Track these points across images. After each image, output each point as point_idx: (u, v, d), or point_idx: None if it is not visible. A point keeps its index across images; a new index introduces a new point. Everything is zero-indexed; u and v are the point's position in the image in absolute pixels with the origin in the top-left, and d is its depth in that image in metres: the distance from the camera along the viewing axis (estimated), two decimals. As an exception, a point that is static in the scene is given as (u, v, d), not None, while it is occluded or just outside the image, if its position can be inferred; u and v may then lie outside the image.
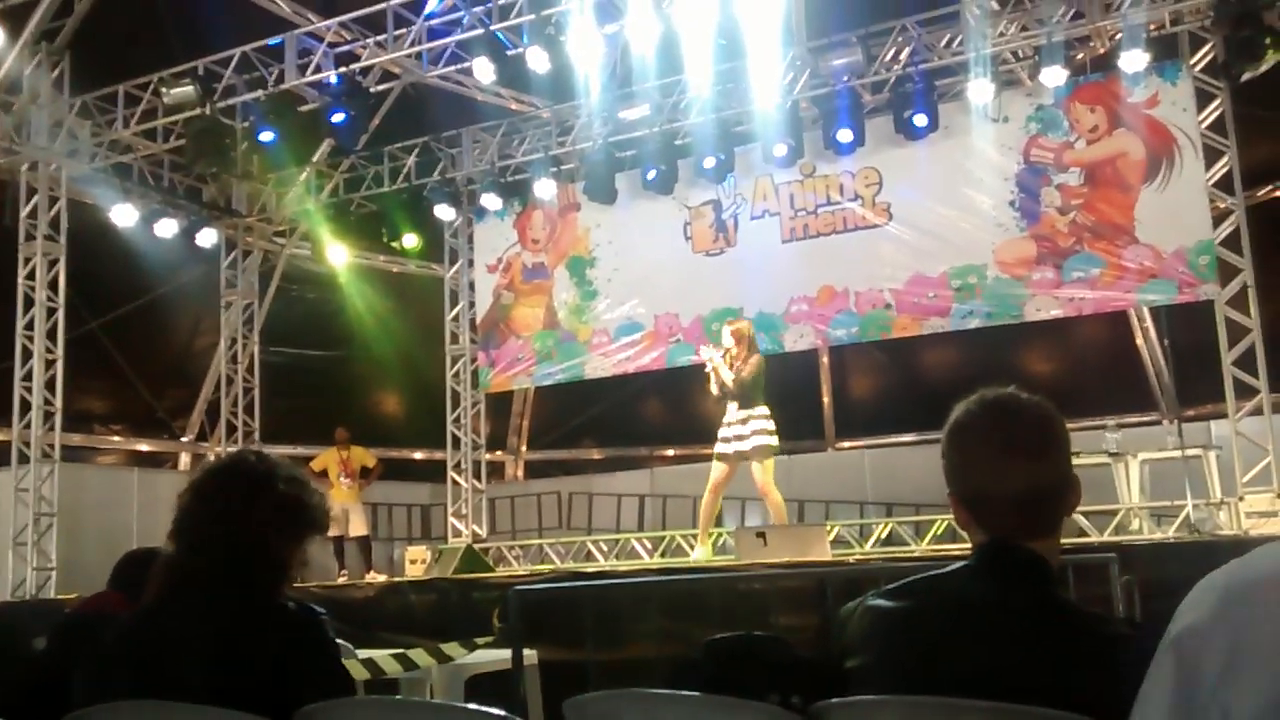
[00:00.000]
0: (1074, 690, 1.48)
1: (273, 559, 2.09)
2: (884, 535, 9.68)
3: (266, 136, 10.10)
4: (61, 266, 10.79)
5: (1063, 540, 1.81)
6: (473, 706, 2.09)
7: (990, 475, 1.71)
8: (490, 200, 12.02)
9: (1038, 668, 1.55)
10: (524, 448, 15.20)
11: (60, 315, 10.75)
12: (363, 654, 4.19)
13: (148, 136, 11.04)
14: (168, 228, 11.48)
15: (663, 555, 10.45)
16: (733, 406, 8.13)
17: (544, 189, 11.75)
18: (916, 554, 7.93)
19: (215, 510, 2.09)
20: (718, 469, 8.27)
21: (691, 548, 9.59)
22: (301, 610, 2.06)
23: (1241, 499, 8.56)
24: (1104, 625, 1.64)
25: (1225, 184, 9.51)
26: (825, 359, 13.63)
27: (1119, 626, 1.65)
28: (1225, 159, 9.51)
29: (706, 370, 8.31)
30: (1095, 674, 1.51)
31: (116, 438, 13.15)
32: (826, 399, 14.01)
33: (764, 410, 8.12)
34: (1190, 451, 8.35)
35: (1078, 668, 1.54)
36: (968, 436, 1.75)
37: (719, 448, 8.23)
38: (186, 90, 9.93)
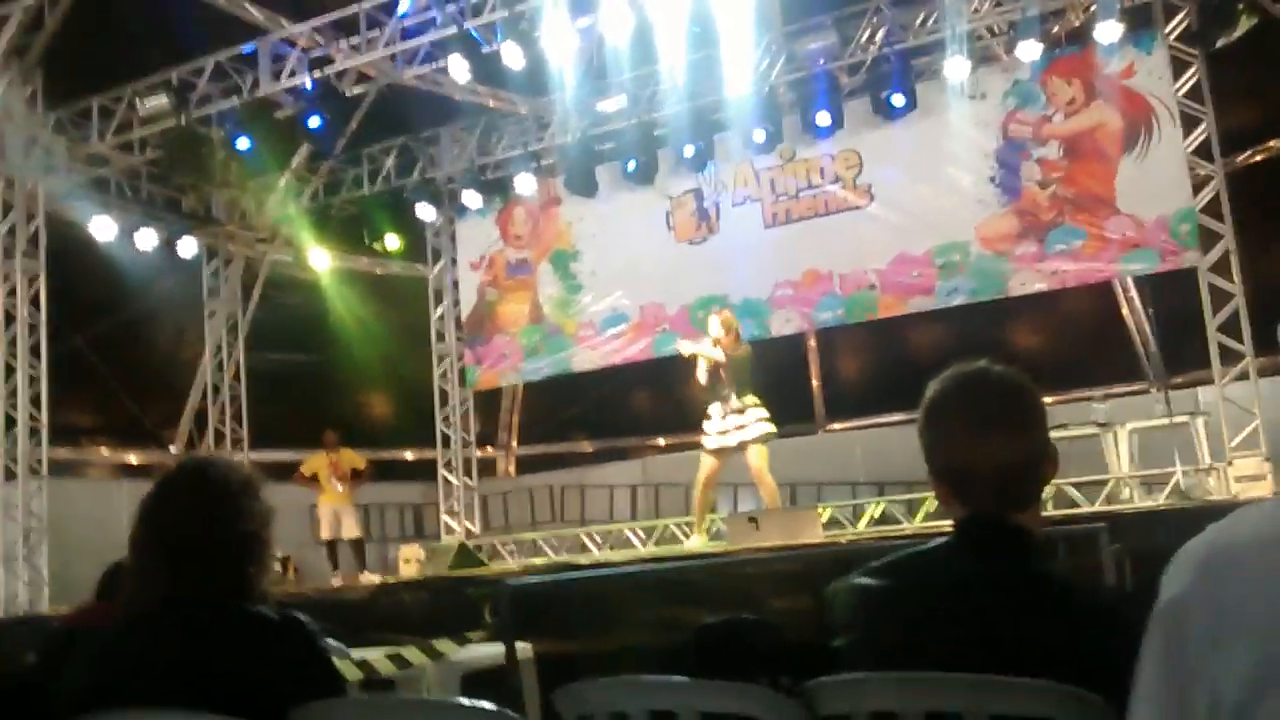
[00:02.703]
0: (1060, 660, 1.48)
1: (240, 561, 2.07)
2: (876, 515, 9.70)
3: (243, 144, 10.07)
4: (42, 282, 10.73)
5: (1053, 512, 1.82)
6: (464, 701, 2.09)
7: (967, 450, 1.71)
8: (471, 198, 12.00)
9: (1022, 639, 1.55)
10: (514, 443, 15.19)
11: (43, 330, 10.70)
12: (356, 654, 4.17)
13: (124, 149, 10.99)
14: (148, 239, 11.44)
15: (657, 544, 10.45)
16: (726, 397, 8.08)
17: (524, 184, 11.73)
18: (908, 532, 7.94)
19: (172, 520, 2.05)
20: (709, 462, 8.24)
21: (686, 535, 9.61)
22: (283, 616, 2.04)
23: (1230, 464, 8.59)
24: (1088, 595, 1.65)
25: (1204, 151, 9.53)
26: (812, 342, 13.64)
27: (1104, 596, 1.65)
28: (1203, 126, 9.53)
29: (686, 356, 8.30)
30: (1081, 643, 1.51)
31: (104, 450, 13.10)
32: (815, 382, 14.03)
33: (755, 399, 8.11)
34: (1178, 419, 8.39)
35: (1063, 638, 1.54)
36: (942, 413, 1.75)
37: (712, 441, 8.17)
38: (161, 101, 9.90)
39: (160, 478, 2.17)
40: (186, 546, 2.03)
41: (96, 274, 11.29)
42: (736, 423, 8.04)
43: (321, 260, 12.62)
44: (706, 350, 8.17)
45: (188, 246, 11.82)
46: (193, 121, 9.97)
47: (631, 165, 11.29)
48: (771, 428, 8.02)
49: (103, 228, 10.98)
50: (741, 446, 8.02)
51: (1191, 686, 0.75)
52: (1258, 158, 10.80)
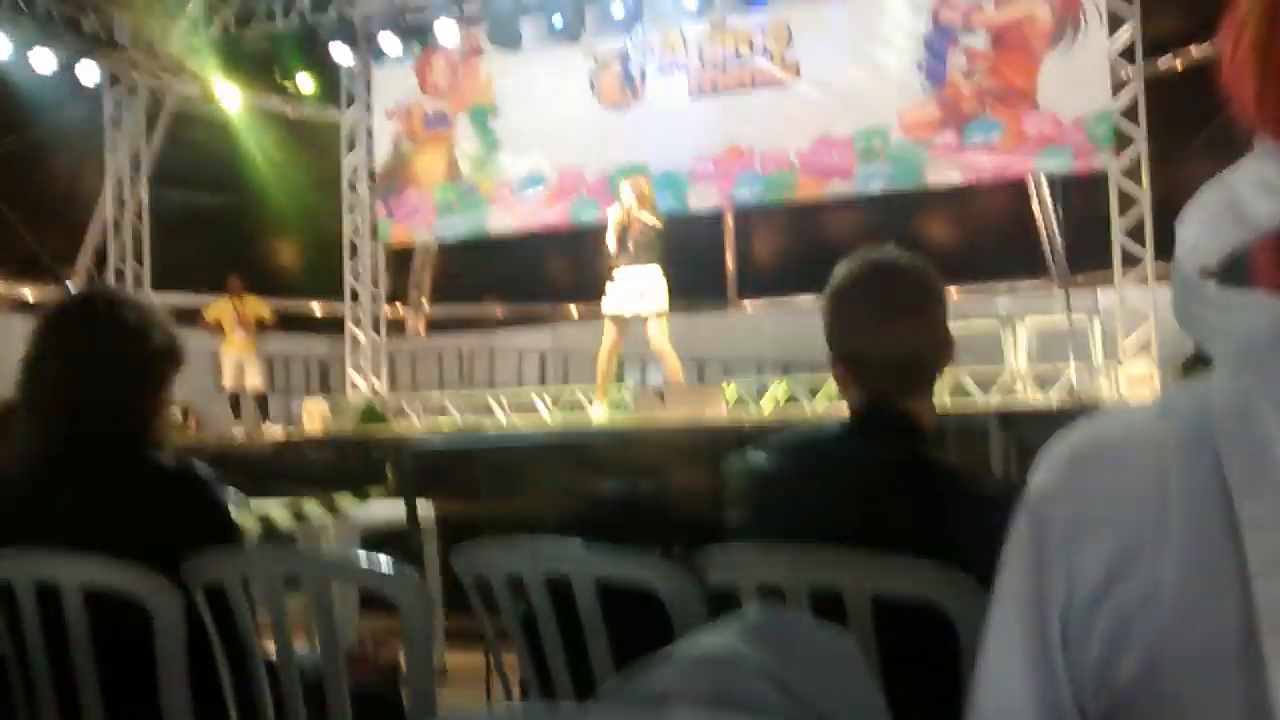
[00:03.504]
0: (942, 545, 1.53)
1: (136, 404, 2.02)
2: (780, 396, 9.87)
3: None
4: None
5: (947, 400, 1.88)
6: (363, 555, 2.11)
7: (867, 335, 1.75)
8: (389, 42, 11.54)
9: (907, 523, 1.61)
10: (426, 302, 15.03)
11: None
12: (255, 507, 4.17)
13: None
14: (45, 60, 10.83)
15: (563, 410, 10.53)
16: (625, 264, 8.10)
17: (446, 32, 11.32)
18: (809, 416, 8.11)
19: (63, 359, 1.97)
20: (609, 329, 8.30)
21: (590, 403, 9.69)
22: (179, 464, 2.02)
23: (1121, 364, 8.90)
24: (973, 483, 1.71)
25: (1127, 54, 9.59)
26: (730, 220, 13.63)
27: (988, 485, 1.72)
28: (1128, 26, 9.57)
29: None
30: (962, 529, 1.56)
31: (-2, 284, 12.64)
32: (730, 260, 14.08)
33: (656, 270, 8.12)
34: (1075, 316, 8.62)
35: (946, 523, 1.60)
36: (845, 297, 1.78)
37: (608, 306, 8.21)
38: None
39: (49, 311, 2.08)
40: (77, 387, 1.97)
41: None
42: (630, 290, 8.07)
43: (231, 97, 12.12)
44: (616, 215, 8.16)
45: (89, 72, 11.23)
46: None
47: (558, 19, 10.98)
48: (660, 305, 8.07)
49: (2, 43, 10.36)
50: (637, 318, 8.08)
51: (1048, 578, 0.78)
52: (1178, 64, 10.91)
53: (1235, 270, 0.80)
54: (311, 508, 4.29)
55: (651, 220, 8.14)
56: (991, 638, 0.84)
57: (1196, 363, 0.84)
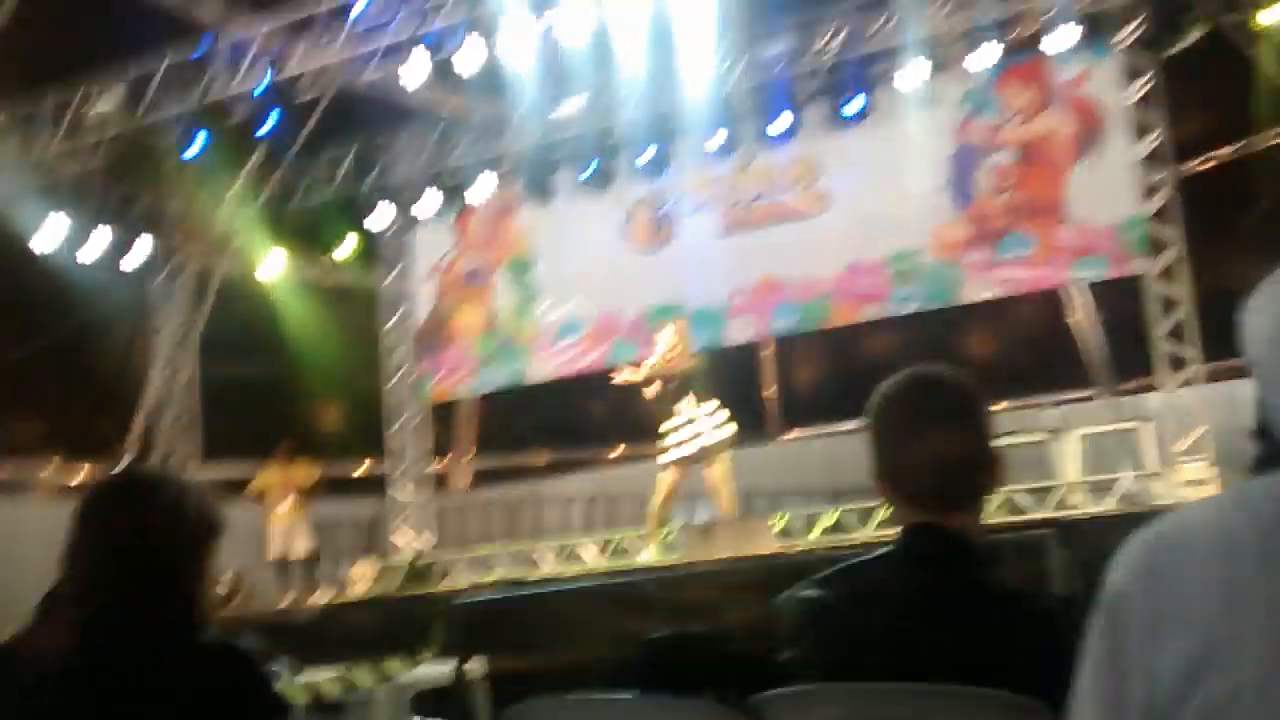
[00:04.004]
0: (1004, 668, 1.47)
1: (181, 582, 2.00)
2: (830, 524, 9.71)
3: (195, 149, 9.92)
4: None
5: (1002, 519, 1.83)
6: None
7: (905, 446, 1.71)
8: (426, 205, 11.90)
9: (965, 648, 1.55)
10: (469, 456, 15.07)
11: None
12: (303, 678, 4.09)
13: (72, 155, 10.77)
14: (97, 245, 11.24)
15: (610, 557, 10.40)
16: (677, 411, 8.05)
17: (480, 191, 11.66)
18: (860, 540, 7.97)
19: (104, 541, 1.95)
20: (667, 475, 8.19)
21: (640, 548, 9.57)
22: (224, 643, 1.98)
23: (1176, 468, 8.70)
24: (1030, 601, 1.65)
25: (1155, 158, 9.66)
26: (767, 351, 13.67)
27: (1046, 600, 1.66)
28: (1156, 133, 9.66)
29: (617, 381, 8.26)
30: (1025, 650, 1.51)
31: (50, 468, 12.84)
32: (770, 390, 14.06)
33: (715, 402, 8.09)
34: (1125, 425, 8.49)
35: (1006, 645, 1.54)
36: (884, 411, 1.76)
37: (669, 455, 8.11)
38: (113, 102, 9.72)
39: (86, 495, 2.07)
40: (114, 570, 1.95)
41: (39, 286, 11.07)
42: (693, 431, 8.02)
43: (275, 268, 12.46)
44: (629, 377, 8.18)
45: (139, 253, 11.63)
46: (143, 125, 9.80)
47: (588, 171, 11.28)
48: (731, 430, 7.99)
49: (53, 232, 10.74)
50: (702, 453, 7.99)
51: (1130, 676, 0.76)
52: (1207, 165, 10.97)
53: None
54: (361, 676, 4.21)
55: (684, 365, 8.12)
56: None
57: (1268, 462, 0.82)
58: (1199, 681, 0.72)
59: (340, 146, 12.01)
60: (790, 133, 10.47)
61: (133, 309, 12.67)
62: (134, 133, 9.72)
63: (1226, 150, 10.69)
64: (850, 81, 10.14)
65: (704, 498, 8.67)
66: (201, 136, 9.85)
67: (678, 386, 8.03)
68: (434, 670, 4.52)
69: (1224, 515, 0.77)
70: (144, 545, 1.95)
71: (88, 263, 11.23)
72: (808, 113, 10.55)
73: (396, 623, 6.30)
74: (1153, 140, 9.65)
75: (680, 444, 8.05)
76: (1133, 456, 8.32)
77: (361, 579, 9.82)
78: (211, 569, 2.05)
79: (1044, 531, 4.38)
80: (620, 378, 8.41)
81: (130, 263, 11.58)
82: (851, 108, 10.17)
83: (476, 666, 4.44)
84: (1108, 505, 8.27)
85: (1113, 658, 0.78)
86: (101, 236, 11.34)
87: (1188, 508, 0.86)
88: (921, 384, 1.76)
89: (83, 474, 12.89)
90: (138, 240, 11.72)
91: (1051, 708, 1.28)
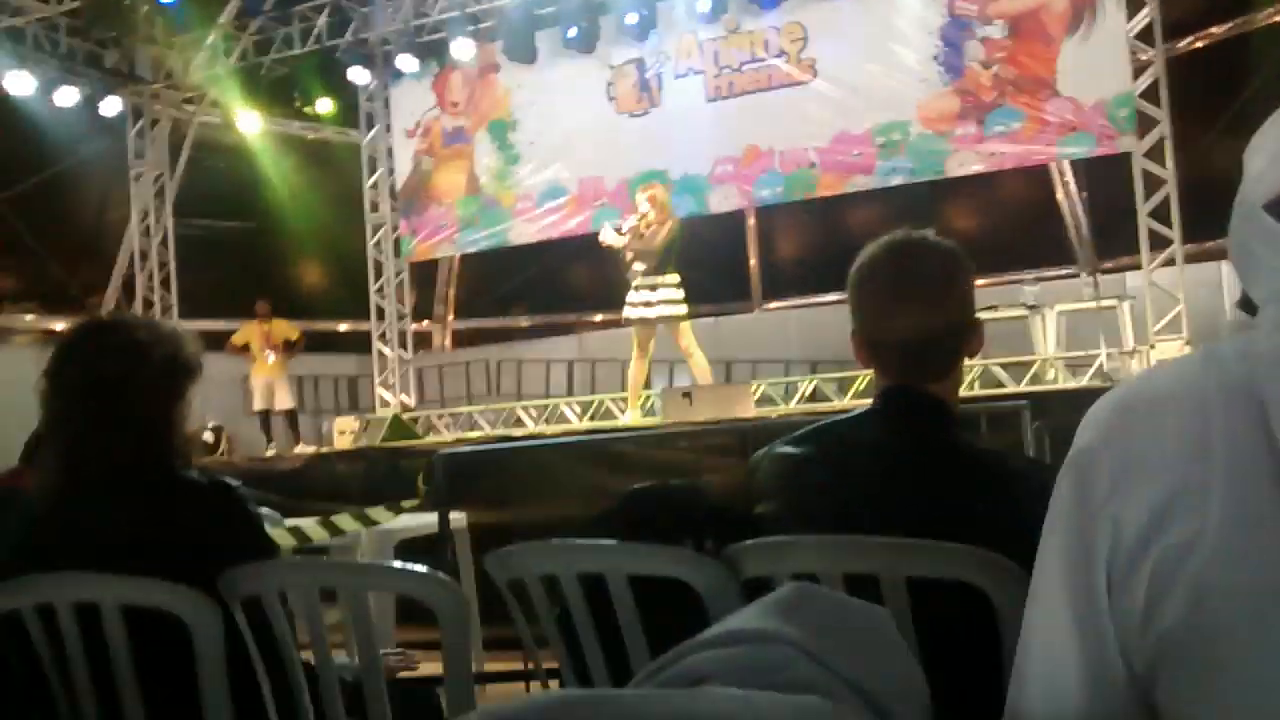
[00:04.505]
0: (973, 525, 1.52)
1: (156, 421, 2.03)
2: (808, 392, 9.84)
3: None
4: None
5: (979, 390, 1.86)
6: (397, 564, 2.11)
7: (886, 315, 1.73)
8: (406, 62, 11.59)
9: (937, 505, 1.60)
10: (451, 316, 15.09)
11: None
12: (289, 522, 4.19)
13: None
14: (68, 96, 10.97)
15: (592, 419, 10.54)
16: (641, 272, 8.09)
17: (462, 49, 11.37)
18: (838, 408, 8.09)
19: (81, 384, 1.98)
20: (638, 337, 8.32)
21: (621, 411, 9.70)
22: (211, 480, 2.03)
23: (1153, 347, 8.82)
24: (1001, 461, 1.69)
25: (1146, 35, 9.52)
26: (752, 220, 13.62)
27: (1017, 462, 1.70)
28: (1146, 9, 9.49)
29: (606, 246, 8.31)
30: (993, 508, 1.55)
31: (29, 316, 12.79)
32: (753, 260, 14.06)
33: (674, 278, 8.11)
34: (1105, 303, 8.55)
35: (975, 503, 1.58)
36: (866, 278, 1.76)
37: (629, 313, 8.22)
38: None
39: (60, 340, 2.08)
40: (93, 410, 1.98)
41: (15, 132, 10.83)
42: (645, 299, 8.09)
43: (251, 123, 12.23)
44: (613, 239, 8.20)
45: (111, 105, 11.37)
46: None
47: (573, 32, 11.00)
48: (676, 311, 8.06)
49: (19, 82, 10.48)
50: (661, 320, 8.10)
51: (1093, 529, 0.79)
52: (1199, 44, 10.81)
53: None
54: (345, 521, 4.31)
55: (666, 229, 8.12)
56: (1036, 599, 0.84)
57: (1245, 309, 0.83)
58: (1163, 526, 0.74)
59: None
60: (781, -4, 10.22)
61: (109, 160, 12.46)
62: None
63: (1217, 29, 10.53)
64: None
65: (683, 364, 8.77)
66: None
67: (656, 254, 8.03)
68: (417, 520, 4.62)
69: (1193, 373, 0.79)
70: (102, 385, 1.98)
71: (65, 108, 10.96)
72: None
73: (379, 475, 6.41)
74: (1144, 16, 9.48)
75: (636, 305, 8.12)
76: (1110, 335, 8.41)
77: (344, 434, 9.92)
78: (187, 409, 2.08)
79: (1019, 403, 4.46)
80: (603, 237, 8.42)
81: (107, 110, 11.31)
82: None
83: (459, 518, 4.54)
84: (1083, 382, 8.39)
85: (1079, 510, 0.80)
86: (75, 85, 11.06)
87: (1158, 367, 0.88)
88: (902, 249, 1.75)
89: (59, 324, 12.87)
90: (112, 91, 11.43)
91: (1021, 563, 1.33)
